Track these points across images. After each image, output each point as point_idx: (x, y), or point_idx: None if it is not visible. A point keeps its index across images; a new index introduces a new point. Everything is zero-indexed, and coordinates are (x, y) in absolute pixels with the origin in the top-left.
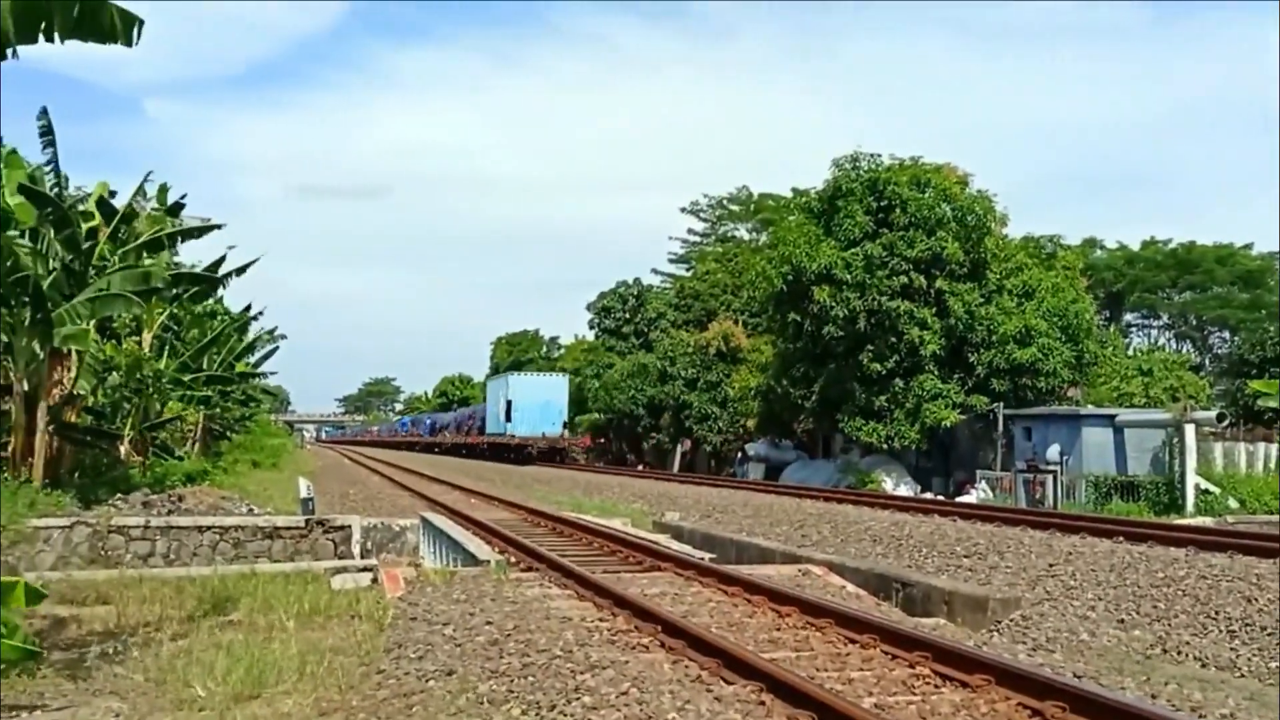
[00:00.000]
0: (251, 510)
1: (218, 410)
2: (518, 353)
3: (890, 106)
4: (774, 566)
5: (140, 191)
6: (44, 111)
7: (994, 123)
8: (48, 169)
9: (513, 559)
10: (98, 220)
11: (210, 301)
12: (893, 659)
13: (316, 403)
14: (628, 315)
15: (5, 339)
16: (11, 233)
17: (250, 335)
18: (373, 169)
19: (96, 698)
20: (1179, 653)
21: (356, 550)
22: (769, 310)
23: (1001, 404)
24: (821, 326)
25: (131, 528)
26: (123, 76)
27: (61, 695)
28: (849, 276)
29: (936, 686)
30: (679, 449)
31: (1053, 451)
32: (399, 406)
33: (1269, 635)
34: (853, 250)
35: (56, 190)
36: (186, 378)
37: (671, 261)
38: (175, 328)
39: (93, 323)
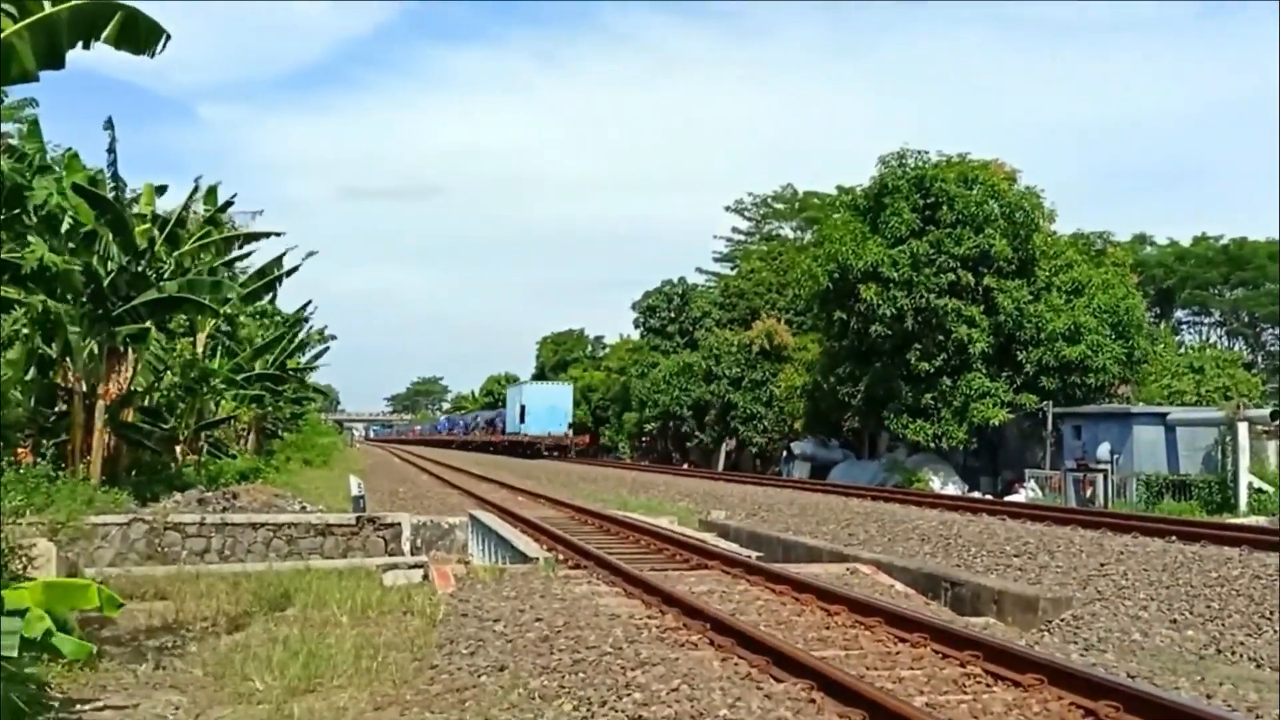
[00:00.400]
0: (304, 508)
1: (270, 409)
2: (563, 352)
3: (935, 103)
4: (821, 565)
5: (193, 194)
6: (109, 121)
7: (1042, 118)
8: (108, 173)
9: (561, 556)
10: (150, 224)
11: (262, 302)
12: (943, 658)
13: (365, 402)
14: (672, 314)
15: (64, 339)
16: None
17: (301, 334)
18: (422, 170)
19: (157, 691)
20: (1233, 653)
21: (407, 547)
22: (814, 309)
23: (1050, 402)
24: (868, 325)
25: (187, 525)
26: (175, 80)
27: (122, 689)
28: (896, 274)
29: (988, 686)
30: (724, 448)
31: (1103, 450)
32: (446, 405)
33: None
34: (899, 248)
35: (115, 194)
36: (239, 377)
37: (716, 260)
38: (229, 328)
39: (151, 323)
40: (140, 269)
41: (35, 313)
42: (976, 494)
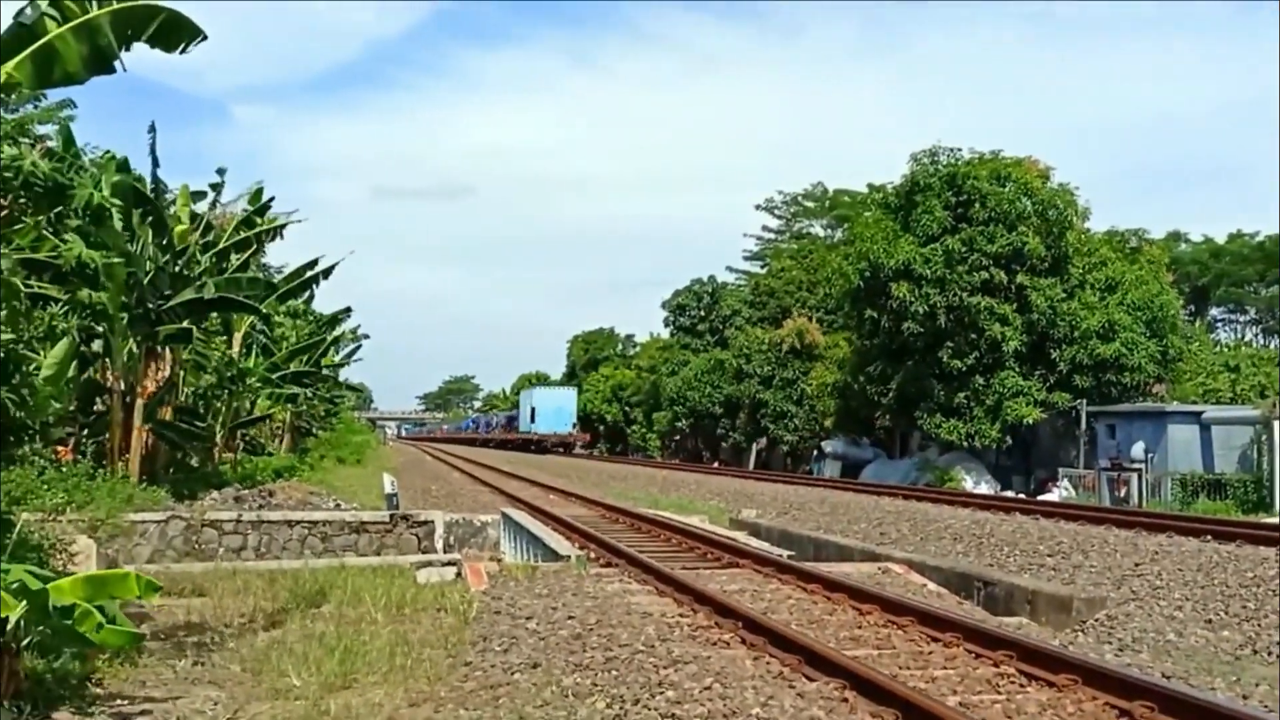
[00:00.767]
0: (338, 505)
1: (304, 407)
2: (594, 351)
3: (967, 100)
4: (853, 564)
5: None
6: (153, 126)
7: (1075, 115)
8: (148, 175)
9: (592, 554)
10: (187, 224)
11: (298, 301)
12: (976, 658)
13: (398, 400)
14: (702, 313)
15: (105, 338)
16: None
17: (336, 333)
18: (454, 170)
19: (195, 686)
20: (1269, 653)
21: (440, 545)
22: (845, 307)
23: (1084, 401)
24: (900, 323)
25: (224, 522)
26: (211, 82)
27: (162, 684)
28: (928, 272)
29: (1022, 686)
30: (754, 446)
31: (1137, 449)
32: (477, 404)
33: None
34: (931, 246)
35: (154, 195)
36: (275, 376)
37: (746, 259)
38: (265, 327)
39: (189, 322)
40: (179, 269)
41: (79, 308)
42: (1009, 493)
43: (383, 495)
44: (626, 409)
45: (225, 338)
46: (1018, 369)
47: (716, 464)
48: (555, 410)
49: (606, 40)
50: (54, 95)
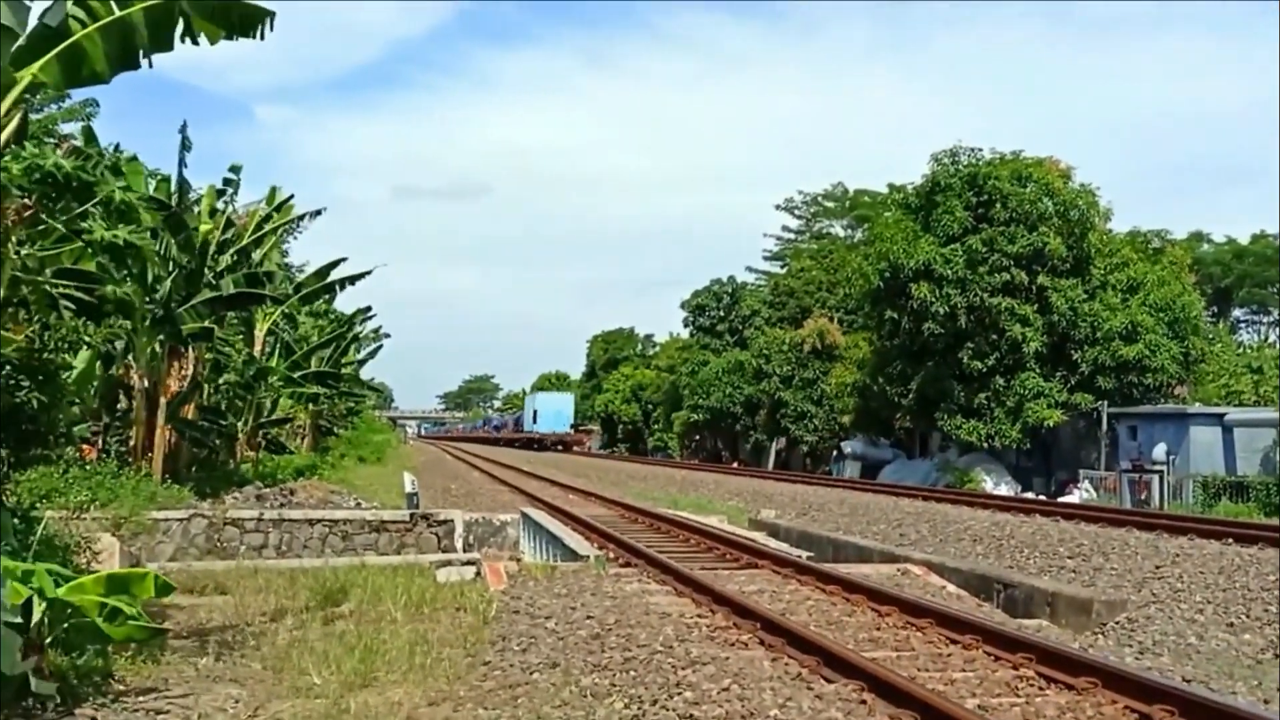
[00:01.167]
0: (359, 504)
1: (325, 407)
2: (613, 350)
3: (987, 100)
4: (872, 565)
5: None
6: (184, 126)
7: (1097, 115)
8: (174, 175)
9: (611, 554)
10: (209, 224)
11: (320, 301)
12: (996, 660)
13: (419, 399)
14: (722, 313)
15: (126, 338)
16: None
17: (355, 333)
18: (473, 169)
19: (216, 684)
20: None
21: (459, 544)
22: (865, 307)
23: (1105, 402)
24: (920, 323)
25: (246, 520)
26: (233, 82)
27: (183, 681)
28: (949, 272)
29: (1041, 689)
30: (774, 446)
31: (1159, 451)
32: (497, 403)
33: None
34: (952, 246)
35: (180, 194)
36: (296, 374)
37: (766, 259)
38: (286, 326)
39: (211, 321)
40: (200, 268)
41: (102, 306)
42: (1030, 495)
43: (403, 494)
44: (647, 408)
45: (247, 336)
46: (1038, 370)
47: (736, 464)
48: (555, 413)
49: (624, 40)
50: (77, 94)
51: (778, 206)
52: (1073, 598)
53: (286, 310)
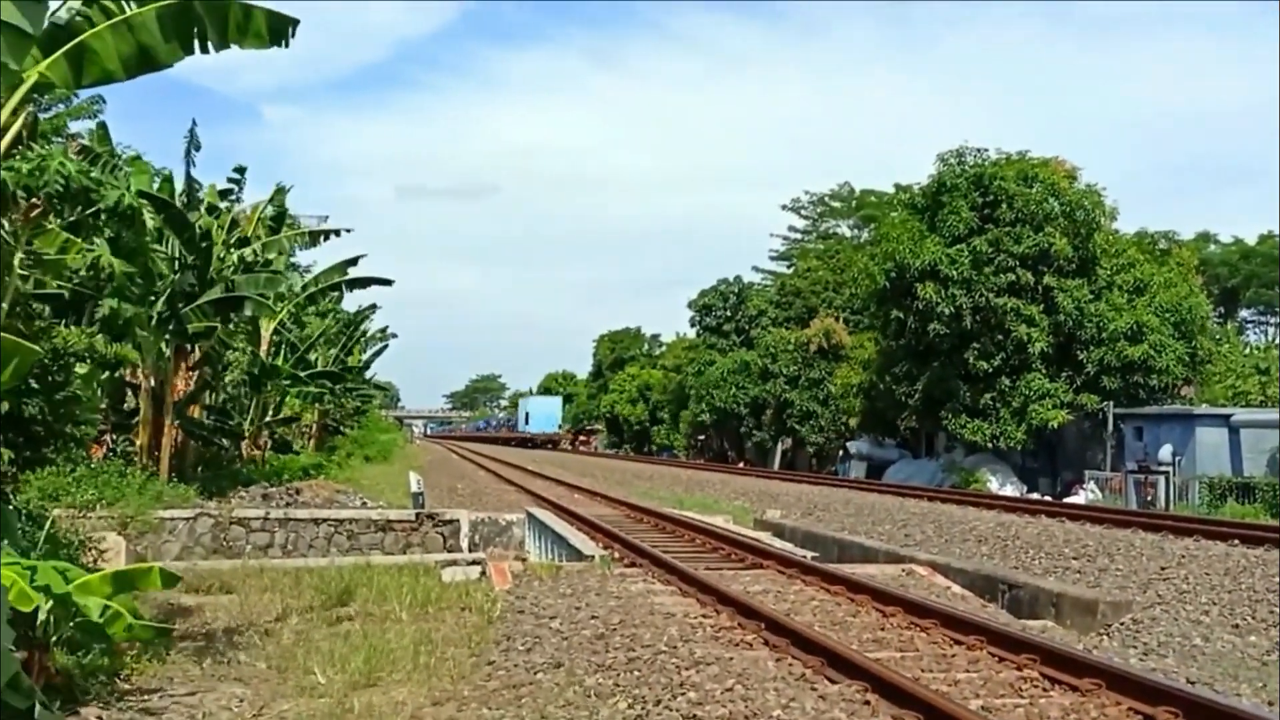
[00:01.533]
0: (364, 504)
1: (331, 406)
2: (620, 350)
3: (993, 100)
4: (877, 566)
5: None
6: (194, 124)
7: (1103, 115)
8: (180, 175)
9: (616, 554)
10: (214, 223)
11: (326, 301)
12: (1000, 661)
13: (425, 399)
14: (729, 313)
15: (134, 338)
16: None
17: (362, 330)
18: (480, 169)
19: (221, 683)
20: None
21: (465, 544)
22: (871, 307)
23: (1111, 403)
24: (926, 323)
25: (252, 519)
26: (241, 82)
27: (188, 680)
28: (955, 273)
29: (1045, 690)
30: (780, 446)
31: (1165, 452)
32: (504, 403)
33: None
34: (958, 246)
35: (188, 196)
36: (303, 373)
37: (772, 259)
38: (293, 326)
39: (217, 320)
40: (204, 267)
41: (108, 320)
42: (1035, 495)
43: (409, 494)
44: (654, 408)
45: (253, 335)
46: (1044, 371)
47: (741, 464)
48: (545, 415)
49: (630, 40)
50: (84, 92)
51: (784, 206)
52: (1078, 599)
53: (293, 309)
